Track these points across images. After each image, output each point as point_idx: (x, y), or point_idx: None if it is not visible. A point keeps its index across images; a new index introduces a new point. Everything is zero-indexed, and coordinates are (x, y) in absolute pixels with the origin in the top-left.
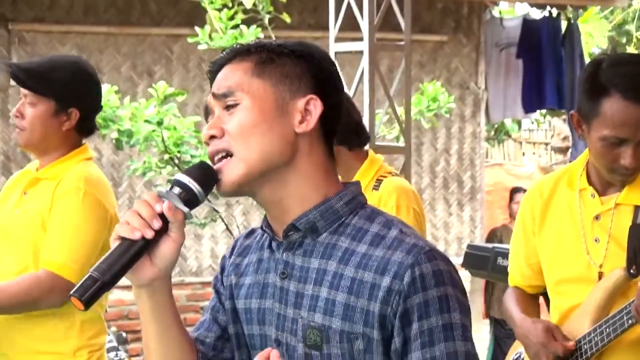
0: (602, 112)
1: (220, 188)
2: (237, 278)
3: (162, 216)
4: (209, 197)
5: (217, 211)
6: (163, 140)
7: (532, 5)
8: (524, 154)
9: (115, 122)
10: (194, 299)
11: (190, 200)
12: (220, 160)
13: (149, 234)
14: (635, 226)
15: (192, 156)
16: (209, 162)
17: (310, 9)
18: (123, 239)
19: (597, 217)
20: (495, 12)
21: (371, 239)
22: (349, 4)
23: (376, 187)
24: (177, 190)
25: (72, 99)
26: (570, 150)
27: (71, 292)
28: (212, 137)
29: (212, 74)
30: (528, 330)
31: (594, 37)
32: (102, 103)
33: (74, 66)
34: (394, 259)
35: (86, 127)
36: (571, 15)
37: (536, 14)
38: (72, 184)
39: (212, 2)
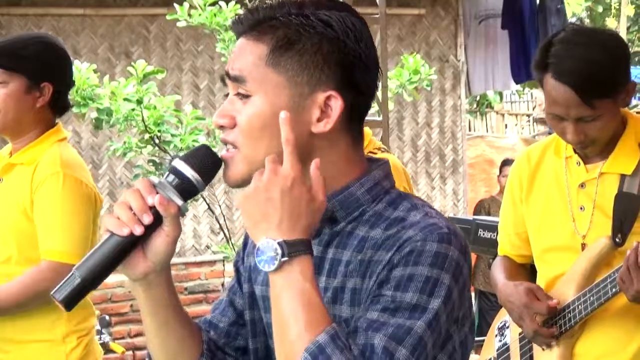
0: (544, 88)
1: (225, 180)
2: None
3: (154, 210)
4: None
5: None
6: (143, 119)
7: None
8: (506, 125)
9: (95, 100)
10: (177, 279)
11: (187, 190)
12: (227, 150)
13: (138, 231)
14: (620, 195)
15: (172, 135)
16: (209, 145)
17: None
18: (111, 232)
19: (582, 185)
20: None
21: (388, 224)
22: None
23: None
24: (172, 178)
25: (44, 73)
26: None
27: (52, 293)
28: (222, 126)
29: (236, 38)
30: (510, 294)
31: (571, 5)
32: (82, 82)
33: (43, 41)
34: (404, 236)
35: (60, 104)
36: None
37: None
38: (50, 169)
39: None
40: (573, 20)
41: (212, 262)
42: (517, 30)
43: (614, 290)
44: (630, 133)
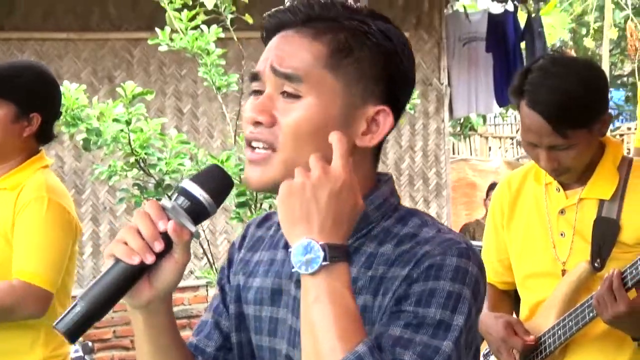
0: (520, 114)
1: (251, 184)
2: (245, 278)
3: (165, 235)
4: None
5: None
6: (130, 142)
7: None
8: (490, 148)
9: (84, 120)
10: None
11: (198, 212)
12: (259, 149)
13: (150, 259)
14: (599, 220)
15: (158, 159)
16: (219, 165)
17: (271, 8)
18: (117, 259)
19: (562, 212)
20: (459, 7)
21: (398, 240)
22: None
23: None
24: (182, 200)
25: (35, 104)
26: None
27: (54, 324)
28: (258, 123)
29: (269, 30)
30: (490, 325)
31: (556, 28)
32: (72, 102)
33: (36, 70)
34: (421, 252)
35: (45, 134)
36: (532, 9)
37: (497, 8)
38: (35, 193)
39: (171, 2)
40: (557, 42)
41: (195, 288)
42: (501, 53)
43: (591, 315)
44: (608, 158)
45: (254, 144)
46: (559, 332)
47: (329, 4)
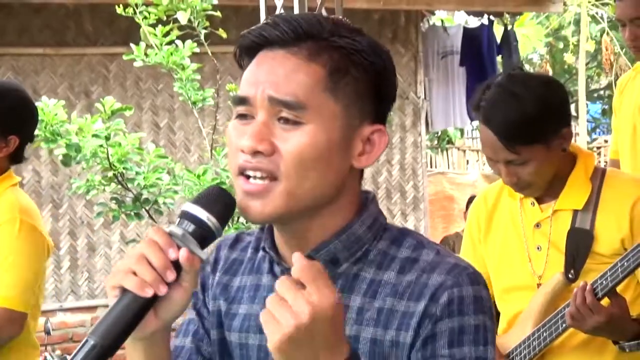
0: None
1: (252, 217)
2: (227, 304)
3: (174, 263)
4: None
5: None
6: (108, 157)
7: (468, 13)
8: (467, 161)
9: (63, 136)
10: None
11: (205, 237)
12: (256, 179)
13: (163, 291)
14: (572, 230)
15: (137, 173)
16: (217, 185)
17: (247, 23)
18: (125, 290)
19: (537, 225)
20: (436, 21)
21: (400, 265)
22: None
23: None
24: (186, 225)
25: (14, 127)
26: None
27: None
28: (258, 152)
29: (248, 48)
30: None
31: (531, 39)
32: (51, 117)
33: (18, 94)
34: (431, 282)
35: (18, 156)
36: (507, 22)
37: (474, 22)
38: (7, 215)
39: (145, 18)
40: (535, 55)
41: None
42: (475, 67)
43: (564, 325)
44: (580, 169)
45: (249, 173)
46: (534, 342)
47: (314, 19)
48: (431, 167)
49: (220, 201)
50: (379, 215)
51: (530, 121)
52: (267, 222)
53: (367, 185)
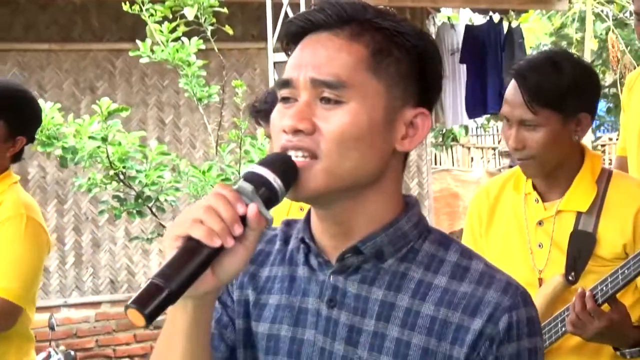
0: None
1: (297, 191)
2: (256, 294)
3: (242, 219)
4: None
5: (163, 226)
6: (108, 156)
7: (474, 11)
8: (472, 159)
9: (60, 139)
10: None
11: (270, 200)
12: (297, 158)
13: (230, 243)
14: (575, 233)
15: (137, 171)
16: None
17: (253, 19)
18: (190, 240)
19: (540, 223)
20: (442, 18)
21: (451, 271)
22: (286, 13)
23: None
24: (257, 187)
25: (23, 127)
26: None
27: (129, 303)
28: (299, 131)
29: (295, 34)
30: None
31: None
32: (47, 121)
33: (23, 94)
34: (487, 298)
35: (19, 155)
36: (512, 19)
37: (479, 20)
38: (14, 210)
39: (152, 15)
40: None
41: None
42: (476, 65)
43: (563, 329)
44: (586, 170)
45: (291, 152)
46: None
47: (358, 4)
48: (436, 164)
49: (287, 167)
50: (423, 217)
51: (558, 86)
52: (309, 200)
53: None
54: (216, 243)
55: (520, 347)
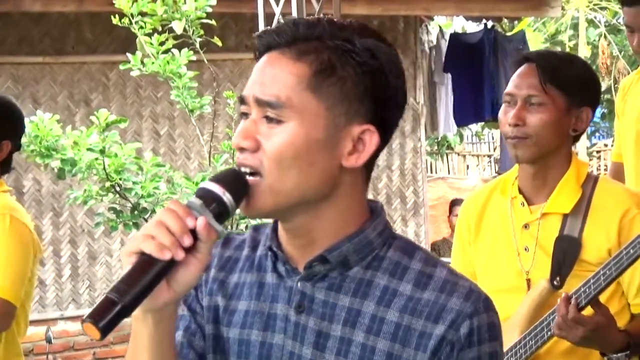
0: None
1: (246, 210)
2: (225, 300)
3: (192, 233)
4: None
5: None
6: (104, 168)
7: (467, 19)
8: (467, 167)
9: (58, 151)
10: None
11: (221, 214)
12: (246, 175)
13: (180, 255)
14: (560, 237)
15: (134, 183)
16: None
17: (247, 30)
18: (143, 255)
19: (526, 226)
20: (435, 26)
21: (415, 278)
22: (278, 23)
23: None
24: (207, 202)
25: (4, 132)
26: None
27: (85, 317)
28: (243, 148)
29: (259, 51)
30: None
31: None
32: (45, 133)
33: (5, 101)
34: (450, 305)
35: (8, 163)
36: (506, 27)
37: (472, 27)
38: None
39: (141, 28)
40: None
41: None
42: (465, 73)
43: (549, 334)
44: (571, 174)
45: (242, 169)
46: (521, 350)
47: (315, 22)
48: (431, 172)
49: (237, 182)
50: (388, 224)
51: (571, 71)
52: (257, 217)
53: (367, 191)
54: (166, 256)
55: (480, 351)
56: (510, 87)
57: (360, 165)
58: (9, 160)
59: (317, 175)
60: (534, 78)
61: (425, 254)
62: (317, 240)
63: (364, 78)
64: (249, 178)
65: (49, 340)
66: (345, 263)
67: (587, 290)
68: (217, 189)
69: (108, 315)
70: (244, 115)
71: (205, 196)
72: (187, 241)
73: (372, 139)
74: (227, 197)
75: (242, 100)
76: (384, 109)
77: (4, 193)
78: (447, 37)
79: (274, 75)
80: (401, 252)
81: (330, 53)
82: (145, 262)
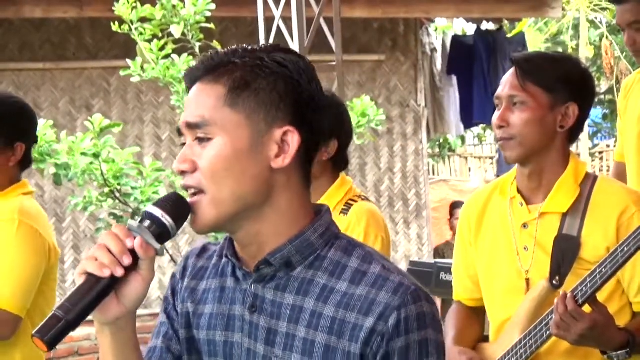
0: None
1: (194, 227)
2: (194, 306)
3: (132, 252)
4: None
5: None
6: (102, 173)
7: (467, 20)
8: (470, 169)
9: (52, 156)
10: (144, 330)
11: (162, 234)
12: (192, 195)
13: (119, 272)
14: (559, 237)
15: (132, 188)
16: (179, 193)
17: (247, 34)
18: (89, 275)
19: (524, 226)
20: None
21: (351, 276)
22: (278, 27)
23: (344, 212)
24: (148, 223)
25: (19, 135)
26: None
27: (33, 333)
28: (183, 172)
29: (187, 87)
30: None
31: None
32: (40, 138)
33: (14, 101)
34: (379, 299)
35: (26, 160)
36: (507, 28)
37: (472, 29)
38: (5, 216)
39: (141, 34)
40: None
41: None
42: (467, 75)
43: (547, 333)
44: (569, 173)
45: (189, 191)
46: (521, 350)
47: (230, 51)
48: (433, 175)
49: (176, 205)
50: (332, 225)
51: (550, 66)
52: (207, 232)
53: (369, 193)
54: (105, 273)
55: (409, 340)
56: (497, 91)
57: (286, 164)
58: (28, 157)
59: (251, 181)
60: (514, 78)
61: (364, 252)
62: (264, 244)
63: (276, 86)
64: (194, 198)
65: None
66: (289, 264)
67: (584, 288)
68: (156, 211)
69: (53, 331)
70: (184, 145)
71: (146, 219)
72: (127, 260)
73: (293, 139)
74: (165, 219)
75: (178, 132)
76: (304, 111)
77: (24, 195)
78: (449, 39)
79: (198, 101)
80: (342, 251)
81: (242, 71)
82: (89, 281)
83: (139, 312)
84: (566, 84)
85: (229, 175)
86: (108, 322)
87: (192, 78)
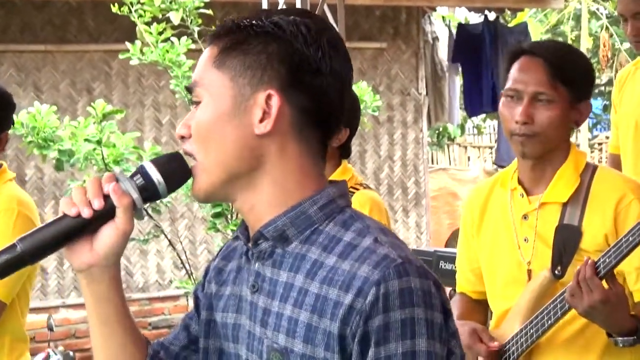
0: (509, 73)
1: (193, 194)
2: (217, 287)
3: (108, 198)
4: (151, 212)
5: (160, 227)
6: (103, 158)
7: (469, 10)
8: (469, 158)
9: (56, 142)
10: (141, 315)
11: (148, 190)
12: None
13: (86, 212)
14: (560, 227)
15: None
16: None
17: None
18: (64, 214)
19: (525, 217)
20: (437, 17)
21: (342, 250)
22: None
23: None
24: (137, 177)
25: (3, 125)
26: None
27: None
28: (182, 137)
29: None
30: None
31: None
32: (42, 124)
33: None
34: (359, 273)
35: (3, 147)
36: (509, 19)
37: (475, 19)
38: (5, 205)
39: (141, 16)
40: None
41: (175, 297)
42: (471, 64)
43: (549, 322)
44: (570, 163)
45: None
46: (522, 339)
47: (243, 17)
48: (432, 163)
49: (172, 164)
50: (338, 199)
51: (577, 66)
52: (204, 200)
53: (369, 181)
54: (72, 212)
55: (389, 318)
56: (514, 82)
57: (268, 130)
58: (5, 144)
59: (232, 146)
60: (542, 74)
61: (363, 224)
62: (261, 216)
63: (266, 47)
64: (192, 163)
65: (50, 328)
66: (285, 238)
67: (607, 260)
68: (150, 168)
69: (7, 259)
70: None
71: (137, 171)
72: (97, 203)
73: (275, 102)
74: (154, 174)
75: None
76: (295, 75)
77: (10, 182)
78: (454, 27)
79: (198, 64)
80: (340, 225)
81: (240, 33)
82: (59, 219)
83: (137, 295)
84: (585, 82)
85: (210, 139)
86: (81, 269)
87: (209, 42)
